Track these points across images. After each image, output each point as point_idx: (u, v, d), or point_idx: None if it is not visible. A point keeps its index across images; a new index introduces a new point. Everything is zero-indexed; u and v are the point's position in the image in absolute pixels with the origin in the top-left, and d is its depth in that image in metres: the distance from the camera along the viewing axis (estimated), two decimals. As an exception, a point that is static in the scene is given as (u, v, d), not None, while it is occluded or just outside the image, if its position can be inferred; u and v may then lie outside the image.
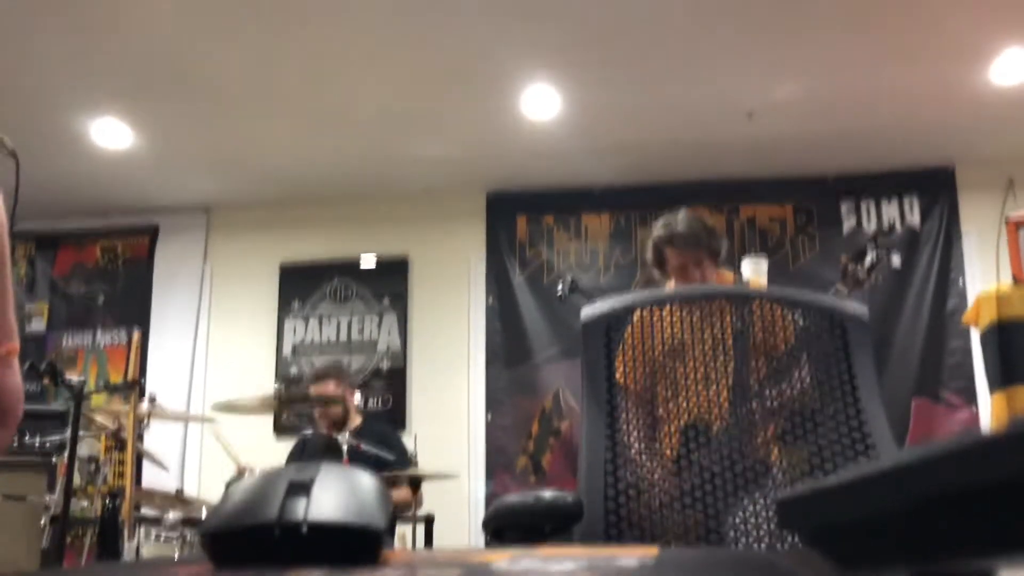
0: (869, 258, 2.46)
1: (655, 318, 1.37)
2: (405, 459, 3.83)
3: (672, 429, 1.31)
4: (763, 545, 1.19)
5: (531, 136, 4.75)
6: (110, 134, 4.75)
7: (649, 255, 2.85)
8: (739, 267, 3.64)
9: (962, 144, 4.85)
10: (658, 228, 2.81)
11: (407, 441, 4.08)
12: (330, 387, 4.08)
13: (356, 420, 4.10)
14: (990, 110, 4.42)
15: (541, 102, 4.43)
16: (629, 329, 1.38)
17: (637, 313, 1.40)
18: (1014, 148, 4.85)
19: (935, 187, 5.01)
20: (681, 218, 2.77)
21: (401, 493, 3.68)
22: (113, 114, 4.60)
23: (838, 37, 3.90)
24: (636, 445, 1.33)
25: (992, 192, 4.94)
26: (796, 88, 4.31)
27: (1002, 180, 4.96)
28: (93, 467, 3.66)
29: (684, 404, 1.32)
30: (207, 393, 5.20)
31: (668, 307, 1.38)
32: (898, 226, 5.01)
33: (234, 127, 4.74)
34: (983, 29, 3.83)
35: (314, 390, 4.10)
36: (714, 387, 1.31)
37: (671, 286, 2.77)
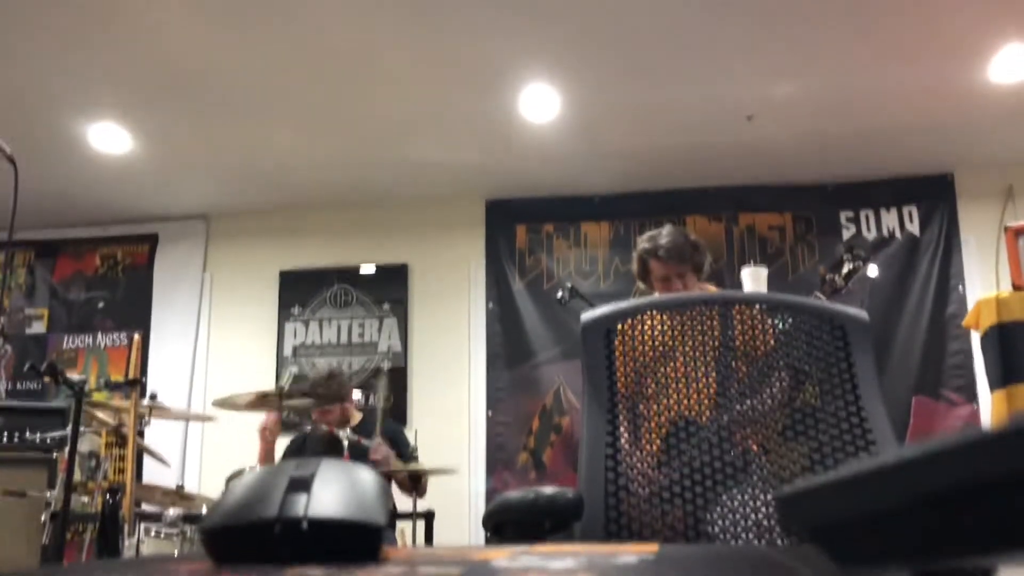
0: (846, 267, 2.52)
1: (648, 324, 1.38)
2: (408, 452, 3.84)
3: (662, 421, 1.32)
4: (763, 541, 1.19)
5: (530, 139, 4.74)
6: (109, 139, 4.73)
7: (634, 267, 2.94)
8: (738, 276, 3.65)
9: (961, 150, 4.84)
10: (643, 241, 2.94)
11: (408, 437, 4.08)
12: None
13: (356, 418, 4.11)
14: (989, 110, 4.41)
15: (540, 103, 4.43)
16: (627, 333, 1.39)
17: (636, 317, 1.40)
18: (1013, 154, 4.84)
19: (934, 195, 5.00)
20: (666, 232, 2.90)
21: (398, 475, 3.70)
22: (112, 119, 4.59)
23: (837, 36, 3.90)
24: (630, 444, 1.34)
25: (991, 200, 4.94)
26: (796, 89, 4.31)
27: (1001, 187, 4.95)
28: (94, 463, 3.66)
29: (673, 403, 1.33)
30: (207, 396, 5.19)
31: (662, 313, 1.39)
32: (898, 234, 5.00)
33: (233, 133, 4.74)
34: (981, 26, 3.83)
35: (314, 408, 4.05)
36: (702, 386, 1.32)
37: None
